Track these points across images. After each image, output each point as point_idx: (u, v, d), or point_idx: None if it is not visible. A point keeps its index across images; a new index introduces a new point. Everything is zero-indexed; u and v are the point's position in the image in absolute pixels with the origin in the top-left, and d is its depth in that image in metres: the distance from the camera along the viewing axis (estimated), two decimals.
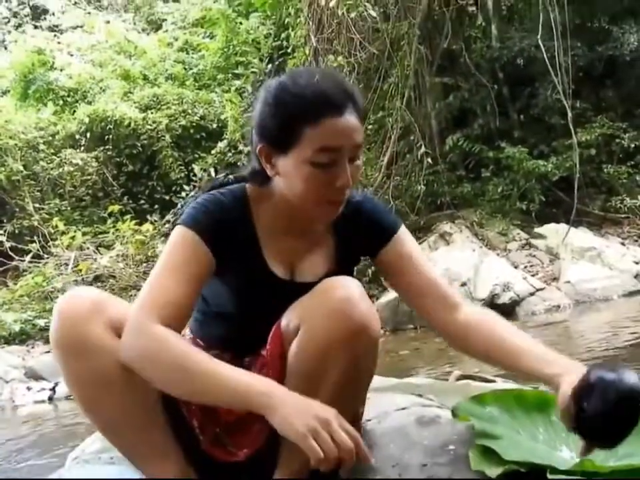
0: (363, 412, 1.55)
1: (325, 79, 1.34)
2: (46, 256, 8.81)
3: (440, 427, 1.50)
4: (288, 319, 1.36)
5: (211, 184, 1.51)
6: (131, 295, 8.21)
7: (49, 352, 5.89)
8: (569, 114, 7.83)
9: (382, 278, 1.47)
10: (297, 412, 1.15)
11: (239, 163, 9.64)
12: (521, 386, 1.83)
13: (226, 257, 1.38)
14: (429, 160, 8.42)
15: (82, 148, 10.47)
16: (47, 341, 6.46)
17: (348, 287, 1.31)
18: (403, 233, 1.50)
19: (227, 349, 1.49)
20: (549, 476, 1.22)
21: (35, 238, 8.99)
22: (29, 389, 5.75)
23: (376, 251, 1.48)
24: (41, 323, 7.04)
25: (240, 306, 1.46)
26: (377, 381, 1.53)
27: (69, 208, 9.95)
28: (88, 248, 8.88)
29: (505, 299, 6.99)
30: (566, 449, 1.37)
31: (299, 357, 1.31)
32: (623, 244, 8.10)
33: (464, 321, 1.43)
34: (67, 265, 8.62)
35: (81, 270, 8.46)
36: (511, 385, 2.11)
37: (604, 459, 1.30)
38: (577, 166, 7.89)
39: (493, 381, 2.29)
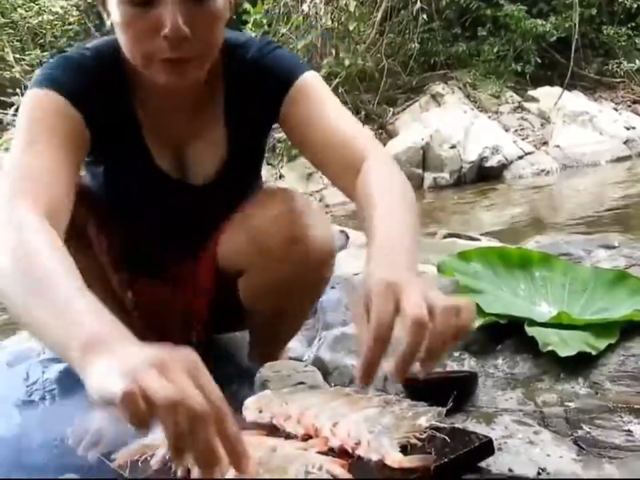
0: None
1: None
2: None
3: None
4: (224, 260, 1.27)
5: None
6: None
7: None
8: None
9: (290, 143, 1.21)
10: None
11: None
12: (505, 244, 1.88)
13: (101, 138, 1.08)
14: (425, 16, 8.15)
15: None
16: None
17: (289, 224, 1.18)
18: (309, 81, 1.13)
19: (138, 270, 1.32)
20: (526, 327, 1.27)
21: (18, 90, 8.76)
22: None
23: (276, 107, 1.12)
24: None
25: (130, 208, 1.23)
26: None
27: (51, 60, 9.63)
28: None
29: (493, 162, 7.01)
30: (545, 304, 1.41)
31: (257, 302, 1.29)
32: (615, 109, 8.04)
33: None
34: None
35: None
36: (495, 243, 2.16)
37: (580, 313, 1.36)
38: (576, 26, 7.66)
39: (478, 240, 2.34)
